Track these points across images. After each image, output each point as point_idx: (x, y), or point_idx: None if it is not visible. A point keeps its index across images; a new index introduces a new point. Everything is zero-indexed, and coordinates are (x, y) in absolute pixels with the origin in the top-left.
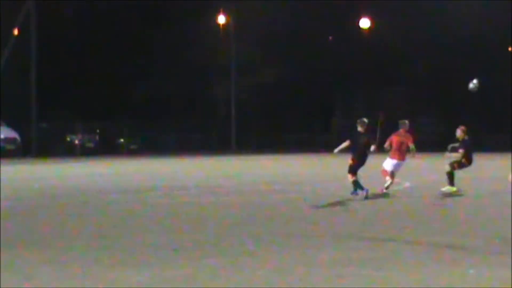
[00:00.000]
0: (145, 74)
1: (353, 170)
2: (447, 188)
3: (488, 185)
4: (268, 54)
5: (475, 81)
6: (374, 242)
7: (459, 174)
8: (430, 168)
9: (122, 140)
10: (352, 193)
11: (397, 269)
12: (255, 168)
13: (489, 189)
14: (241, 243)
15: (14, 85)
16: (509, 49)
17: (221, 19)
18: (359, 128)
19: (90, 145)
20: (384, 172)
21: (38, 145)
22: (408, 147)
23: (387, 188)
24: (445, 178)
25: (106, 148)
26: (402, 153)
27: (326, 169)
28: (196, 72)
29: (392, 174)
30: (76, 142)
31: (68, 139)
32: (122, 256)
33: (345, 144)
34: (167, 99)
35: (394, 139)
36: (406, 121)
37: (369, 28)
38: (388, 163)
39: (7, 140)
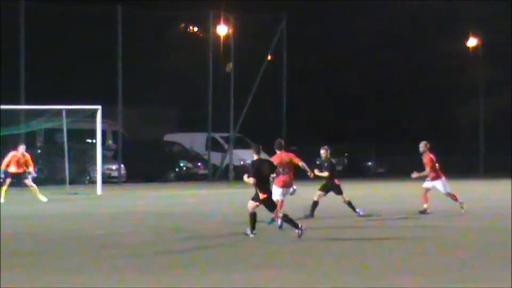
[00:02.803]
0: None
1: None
2: None
3: None
4: None
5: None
6: None
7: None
8: None
9: (370, 163)
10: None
11: None
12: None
13: None
14: None
15: (267, 110)
16: None
17: (472, 42)
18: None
19: (339, 168)
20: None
21: None
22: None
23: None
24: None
25: (354, 171)
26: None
27: None
28: (440, 94)
29: None
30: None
31: (318, 162)
32: None
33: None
34: (407, 120)
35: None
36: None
37: None
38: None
39: None
